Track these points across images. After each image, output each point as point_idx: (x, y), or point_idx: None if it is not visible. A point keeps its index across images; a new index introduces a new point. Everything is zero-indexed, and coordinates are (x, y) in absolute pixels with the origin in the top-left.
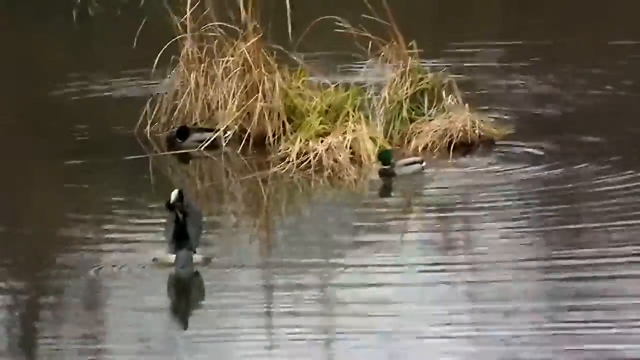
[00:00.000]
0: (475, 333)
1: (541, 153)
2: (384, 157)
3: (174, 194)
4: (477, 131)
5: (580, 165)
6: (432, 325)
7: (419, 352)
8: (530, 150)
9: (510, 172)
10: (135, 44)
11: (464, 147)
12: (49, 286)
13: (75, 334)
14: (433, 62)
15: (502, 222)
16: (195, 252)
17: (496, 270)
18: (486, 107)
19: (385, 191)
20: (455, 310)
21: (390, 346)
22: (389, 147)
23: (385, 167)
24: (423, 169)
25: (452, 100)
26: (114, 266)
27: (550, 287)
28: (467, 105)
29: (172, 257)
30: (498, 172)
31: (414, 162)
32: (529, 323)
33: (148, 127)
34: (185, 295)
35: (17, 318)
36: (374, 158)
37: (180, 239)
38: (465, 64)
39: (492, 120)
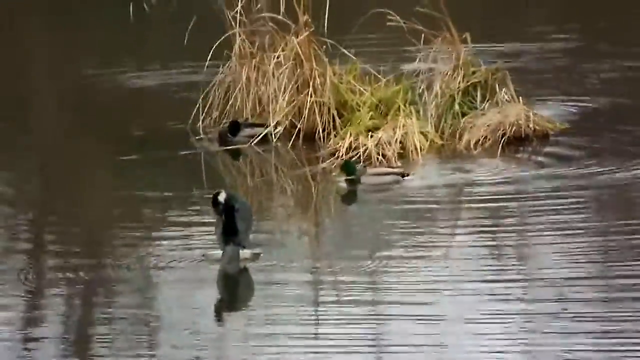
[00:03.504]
0: (530, 348)
1: (598, 151)
2: (347, 168)
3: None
4: (531, 125)
5: None
6: (481, 322)
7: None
8: (586, 146)
9: (561, 172)
10: (187, 39)
11: (518, 141)
12: (101, 281)
13: (125, 328)
14: (492, 47)
15: (550, 231)
16: (244, 248)
17: (548, 281)
18: (546, 97)
19: (435, 189)
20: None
21: (438, 347)
22: (352, 160)
23: (349, 177)
24: (403, 179)
25: (506, 93)
26: (166, 261)
27: (607, 307)
28: (521, 98)
29: (221, 253)
30: (547, 172)
31: (389, 174)
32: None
33: (200, 122)
34: (231, 291)
35: (69, 314)
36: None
37: (229, 234)
38: (525, 51)
39: (551, 111)
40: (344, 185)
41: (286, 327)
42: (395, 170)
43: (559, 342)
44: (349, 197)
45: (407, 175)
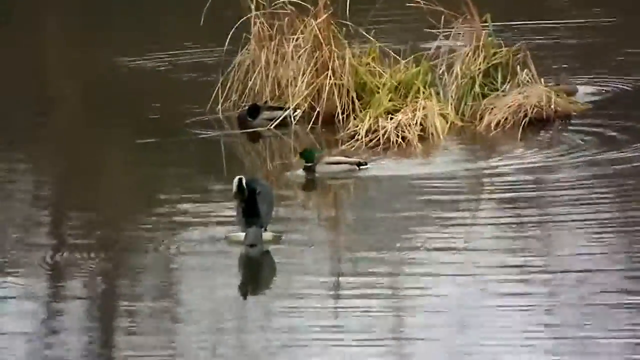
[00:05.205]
0: (553, 342)
1: (621, 135)
2: (306, 155)
3: (234, 184)
4: (552, 106)
5: None
6: (502, 317)
7: (488, 347)
8: (609, 130)
9: (582, 158)
10: (206, 22)
11: (539, 123)
12: (124, 264)
13: (148, 312)
14: (514, 26)
15: (571, 221)
16: (265, 230)
17: (570, 272)
18: (570, 77)
19: (453, 172)
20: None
21: (458, 338)
22: (313, 148)
23: (307, 164)
24: (359, 169)
25: (527, 74)
26: (188, 245)
27: (629, 298)
28: (542, 79)
29: (242, 235)
30: (567, 158)
31: (344, 163)
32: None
33: (220, 105)
34: (254, 273)
35: (94, 295)
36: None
37: (251, 216)
38: (550, 29)
39: (578, 90)
40: (301, 173)
41: (306, 315)
42: (351, 159)
43: (580, 333)
44: (368, 183)
45: (365, 164)
